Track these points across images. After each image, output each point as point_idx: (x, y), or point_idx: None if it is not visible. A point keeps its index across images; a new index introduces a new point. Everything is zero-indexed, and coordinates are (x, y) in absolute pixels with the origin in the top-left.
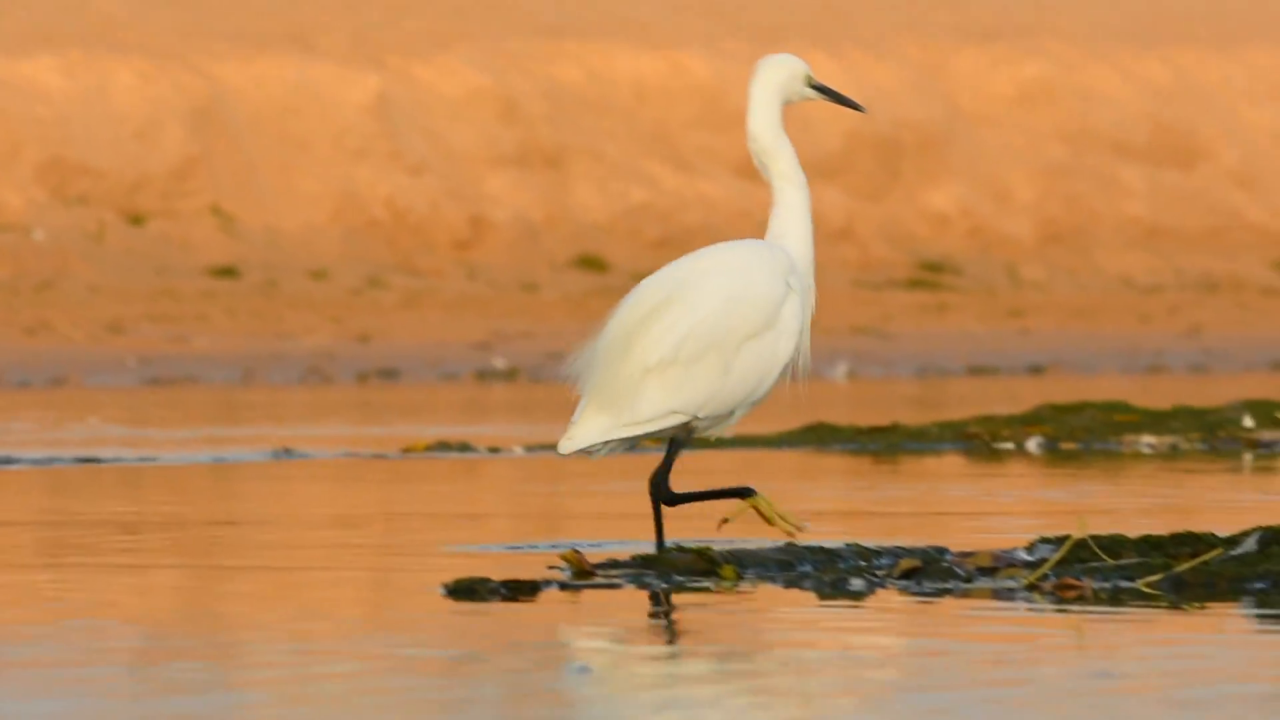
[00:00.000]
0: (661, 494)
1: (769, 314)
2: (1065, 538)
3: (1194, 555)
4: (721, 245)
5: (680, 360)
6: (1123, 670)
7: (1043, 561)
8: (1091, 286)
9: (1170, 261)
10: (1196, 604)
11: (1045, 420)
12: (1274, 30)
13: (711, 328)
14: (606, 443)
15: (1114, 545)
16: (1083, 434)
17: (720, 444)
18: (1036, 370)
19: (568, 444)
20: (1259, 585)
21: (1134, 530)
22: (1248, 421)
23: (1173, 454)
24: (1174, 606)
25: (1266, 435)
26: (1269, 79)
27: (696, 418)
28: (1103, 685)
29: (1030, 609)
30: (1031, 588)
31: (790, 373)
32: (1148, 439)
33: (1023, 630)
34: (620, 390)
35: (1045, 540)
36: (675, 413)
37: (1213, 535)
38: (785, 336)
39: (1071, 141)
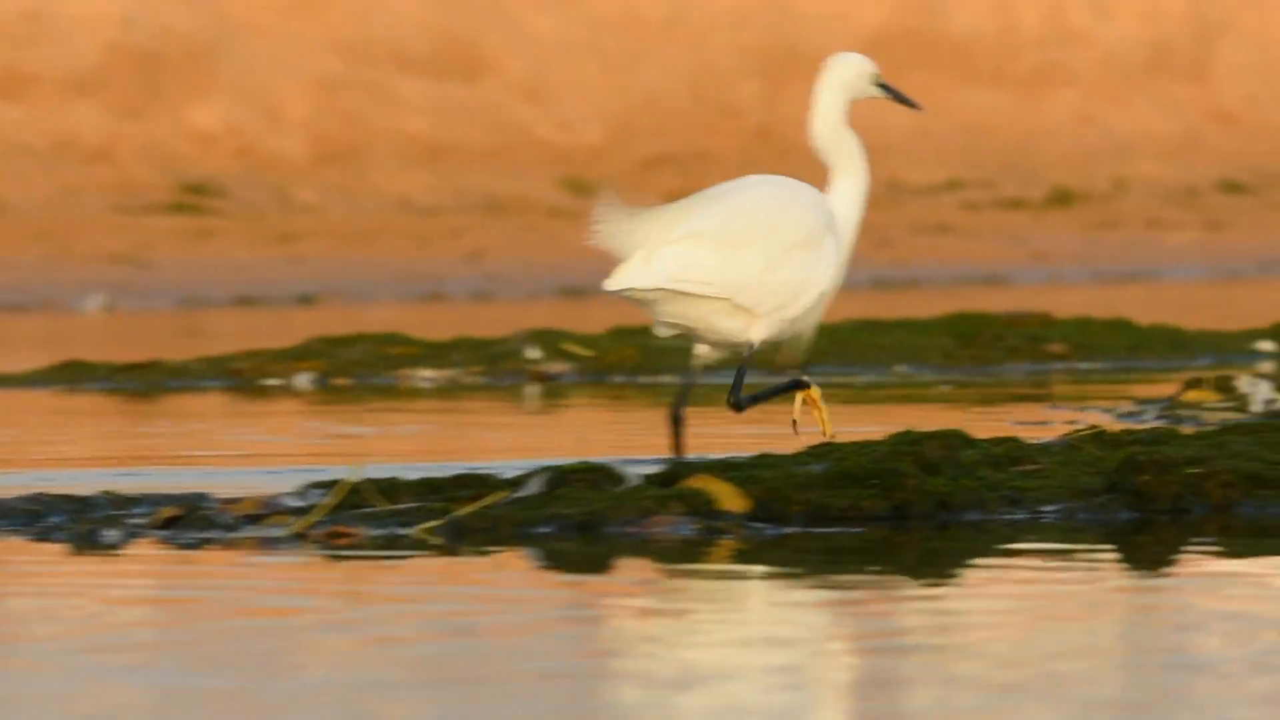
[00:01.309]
0: (732, 404)
1: (813, 227)
2: (336, 482)
3: (476, 498)
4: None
5: (730, 239)
6: (381, 614)
7: (313, 508)
8: (368, 208)
9: (451, 181)
10: (476, 549)
11: (316, 354)
12: None
13: (758, 213)
14: (654, 290)
15: (391, 489)
16: (356, 368)
17: None
18: (307, 300)
19: (612, 282)
20: (545, 529)
21: (413, 472)
22: (533, 353)
23: (453, 388)
24: (451, 553)
25: (553, 367)
26: None
27: (732, 301)
28: (364, 637)
29: (298, 559)
30: (300, 536)
31: (805, 326)
32: (426, 373)
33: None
34: (661, 243)
35: (317, 485)
36: (710, 285)
37: (496, 476)
38: (824, 265)
39: (347, 53)
